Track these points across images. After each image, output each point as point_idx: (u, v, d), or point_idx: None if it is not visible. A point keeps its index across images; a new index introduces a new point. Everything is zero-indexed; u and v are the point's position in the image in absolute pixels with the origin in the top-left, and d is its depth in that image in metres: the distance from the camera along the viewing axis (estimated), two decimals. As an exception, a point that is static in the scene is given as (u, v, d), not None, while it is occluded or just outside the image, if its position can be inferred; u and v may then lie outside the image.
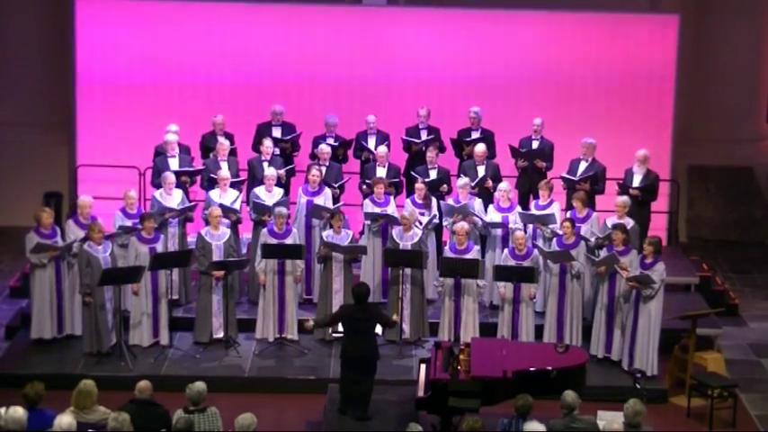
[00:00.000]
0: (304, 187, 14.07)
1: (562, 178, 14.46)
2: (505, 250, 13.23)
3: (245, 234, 14.60)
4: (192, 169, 14.38)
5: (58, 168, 17.05)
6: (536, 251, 13.16)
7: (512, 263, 12.93)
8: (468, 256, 12.91)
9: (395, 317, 12.34)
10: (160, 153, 14.53)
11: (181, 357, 12.94)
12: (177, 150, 14.43)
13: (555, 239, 13.24)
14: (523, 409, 9.63)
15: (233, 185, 13.98)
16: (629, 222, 13.30)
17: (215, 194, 13.83)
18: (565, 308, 13.01)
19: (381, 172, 14.39)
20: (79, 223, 13.19)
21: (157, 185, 14.08)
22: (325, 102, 15.96)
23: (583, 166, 14.46)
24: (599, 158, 14.52)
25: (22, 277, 14.64)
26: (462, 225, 13.15)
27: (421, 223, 13.52)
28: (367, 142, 14.96)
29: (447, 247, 13.20)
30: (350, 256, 13.25)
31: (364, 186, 14.37)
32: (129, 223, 13.37)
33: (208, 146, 14.81)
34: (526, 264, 12.88)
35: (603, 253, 12.95)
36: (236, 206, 13.79)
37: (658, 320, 12.57)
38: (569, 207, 14.05)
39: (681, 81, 16.40)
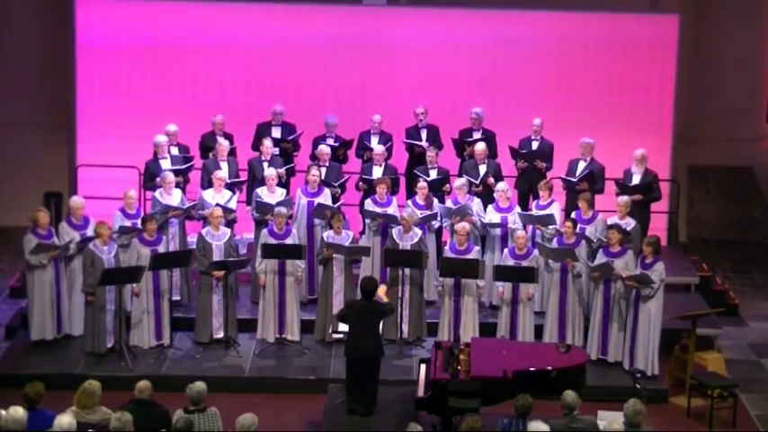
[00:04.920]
0: (303, 188, 14.07)
1: (561, 179, 14.45)
2: (505, 250, 13.23)
3: (246, 234, 14.60)
4: (183, 166, 14.37)
5: (58, 168, 17.05)
6: (536, 251, 13.16)
7: (511, 262, 12.93)
8: (468, 257, 12.90)
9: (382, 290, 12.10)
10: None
11: (181, 357, 12.94)
12: (174, 151, 14.45)
13: (555, 239, 13.23)
14: (523, 409, 9.63)
15: (230, 186, 13.98)
16: (631, 223, 13.29)
17: (208, 194, 13.84)
18: (566, 307, 13.00)
19: (378, 171, 14.39)
20: (72, 224, 13.18)
21: (150, 188, 14.09)
22: (324, 102, 15.96)
23: (581, 165, 14.45)
24: (599, 158, 14.52)
25: (21, 277, 14.63)
26: (463, 225, 13.15)
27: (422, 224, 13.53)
28: (369, 141, 14.96)
29: (447, 247, 13.21)
30: (352, 257, 13.25)
31: (360, 183, 14.37)
32: (128, 223, 13.37)
33: (207, 146, 14.82)
34: (526, 263, 12.88)
35: (599, 254, 12.94)
36: (231, 206, 13.78)
37: (658, 320, 12.58)
38: (570, 208, 14.04)
39: (681, 81, 16.40)
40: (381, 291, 12.04)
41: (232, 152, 14.89)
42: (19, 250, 13.68)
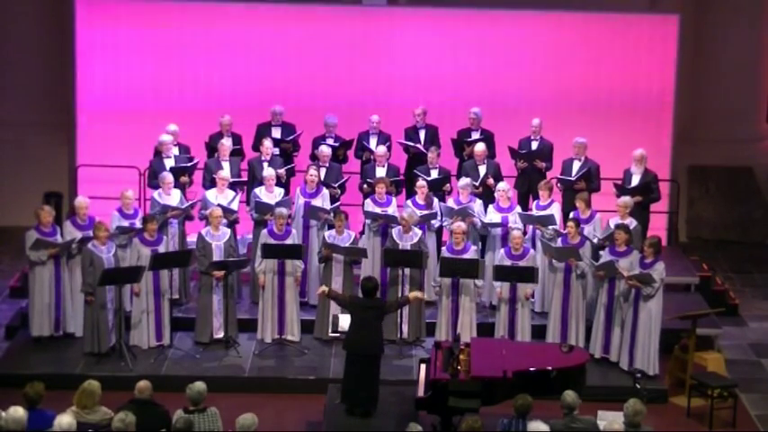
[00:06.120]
0: (302, 188, 14.07)
1: (558, 179, 14.46)
2: (501, 250, 13.23)
3: (246, 234, 14.59)
4: (186, 165, 14.37)
5: (58, 168, 17.05)
6: (532, 251, 13.17)
7: (508, 263, 12.93)
8: (465, 256, 12.90)
9: (416, 293, 12.16)
10: (160, 153, 14.53)
11: (181, 357, 12.94)
12: (174, 151, 14.45)
13: (559, 239, 13.23)
14: (522, 409, 9.63)
15: (233, 186, 13.99)
16: (632, 223, 13.30)
17: (212, 194, 13.84)
18: (569, 308, 13.00)
19: (381, 172, 14.40)
20: (77, 224, 13.21)
21: (154, 186, 14.09)
22: (324, 102, 15.95)
23: (576, 165, 14.47)
24: (600, 159, 14.54)
25: (21, 277, 14.64)
26: (460, 225, 13.15)
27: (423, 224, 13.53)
28: (368, 142, 14.96)
29: (444, 248, 13.21)
30: (349, 257, 13.24)
31: (365, 186, 14.38)
32: (126, 223, 13.37)
33: (214, 146, 14.79)
34: (522, 263, 12.88)
35: (605, 254, 12.94)
36: (234, 206, 13.79)
37: (658, 320, 12.58)
38: (567, 208, 14.03)
39: (681, 81, 16.39)
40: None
41: (238, 152, 14.88)
42: (19, 249, 13.70)
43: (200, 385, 9.65)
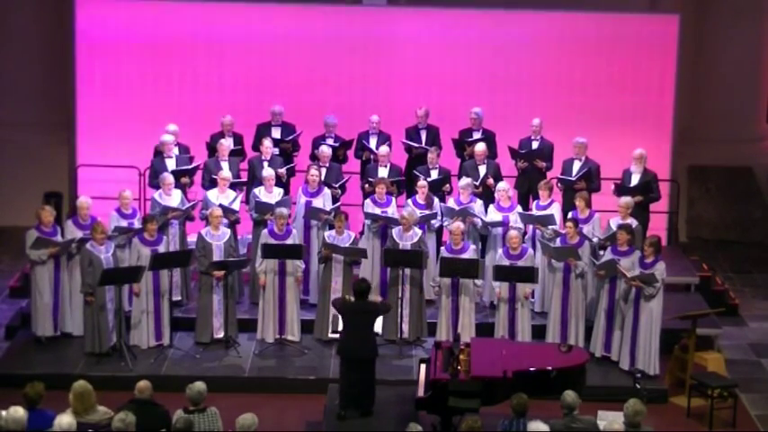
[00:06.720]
0: (303, 188, 14.08)
1: (559, 179, 14.46)
2: (500, 250, 13.23)
3: (246, 234, 14.60)
4: (188, 167, 14.38)
5: (58, 168, 17.05)
6: (530, 251, 13.17)
7: (506, 262, 12.93)
8: (464, 256, 12.91)
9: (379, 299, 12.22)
10: (160, 153, 14.53)
11: (181, 357, 12.94)
12: (174, 151, 14.45)
13: (559, 239, 13.23)
14: (519, 408, 9.61)
15: (233, 186, 13.99)
16: (633, 223, 13.31)
17: (213, 194, 13.84)
18: (569, 307, 13.00)
19: (383, 172, 14.40)
20: (78, 224, 13.22)
21: (155, 186, 14.09)
22: (324, 102, 15.95)
23: (577, 165, 14.48)
24: (600, 158, 14.54)
25: (22, 277, 14.64)
26: (458, 225, 13.15)
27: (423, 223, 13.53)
28: (368, 142, 14.96)
29: (443, 247, 13.21)
30: (349, 258, 13.24)
31: (366, 185, 14.37)
32: (124, 223, 13.37)
33: (214, 146, 14.78)
34: (521, 263, 12.88)
35: (606, 254, 12.95)
36: (235, 206, 13.79)
37: (659, 320, 12.58)
38: (568, 208, 14.03)
39: (681, 81, 16.39)
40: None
41: (239, 152, 14.87)
42: (19, 249, 13.69)
43: (200, 385, 9.65)
